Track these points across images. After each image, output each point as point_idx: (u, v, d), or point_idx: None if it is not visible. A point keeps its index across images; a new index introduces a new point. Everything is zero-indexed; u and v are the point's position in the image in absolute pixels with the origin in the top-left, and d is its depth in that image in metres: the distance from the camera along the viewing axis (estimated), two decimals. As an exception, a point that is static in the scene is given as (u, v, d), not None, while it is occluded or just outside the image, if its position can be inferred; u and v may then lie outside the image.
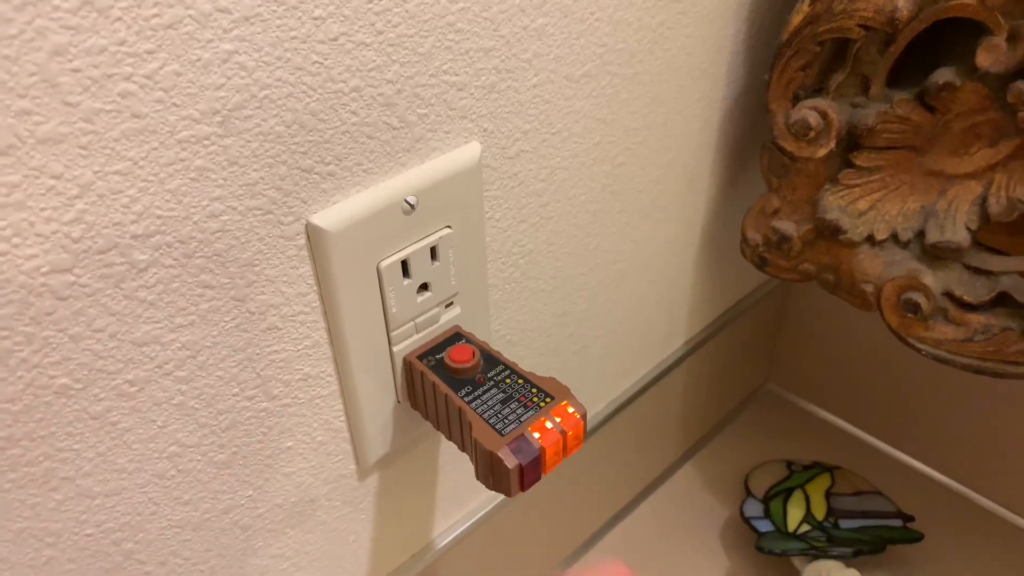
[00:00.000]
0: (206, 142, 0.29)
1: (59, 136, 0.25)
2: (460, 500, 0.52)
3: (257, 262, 0.33)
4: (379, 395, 0.40)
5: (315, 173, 0.33)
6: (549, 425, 0.36)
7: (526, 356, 0.49)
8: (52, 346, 0.28)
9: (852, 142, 0.50)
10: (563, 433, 0.36)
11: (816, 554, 0.61)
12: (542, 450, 0.35)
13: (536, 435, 0.35)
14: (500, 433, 0.35)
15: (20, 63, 0.24)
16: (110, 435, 0.31)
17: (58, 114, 0.25)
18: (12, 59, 0.24)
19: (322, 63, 0.31)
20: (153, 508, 0.34)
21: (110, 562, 0.34)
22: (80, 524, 0.32)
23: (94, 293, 0.28)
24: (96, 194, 0.27)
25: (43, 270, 0.27)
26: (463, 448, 0.38)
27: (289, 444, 0.38)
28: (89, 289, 0.28)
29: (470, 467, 0.51)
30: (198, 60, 0.27)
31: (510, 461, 0.34)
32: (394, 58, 0.33)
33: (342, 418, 0.40)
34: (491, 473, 0.35)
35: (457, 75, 0.36)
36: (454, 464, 0.49)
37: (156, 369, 0.31)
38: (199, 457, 0.35)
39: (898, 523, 0.63)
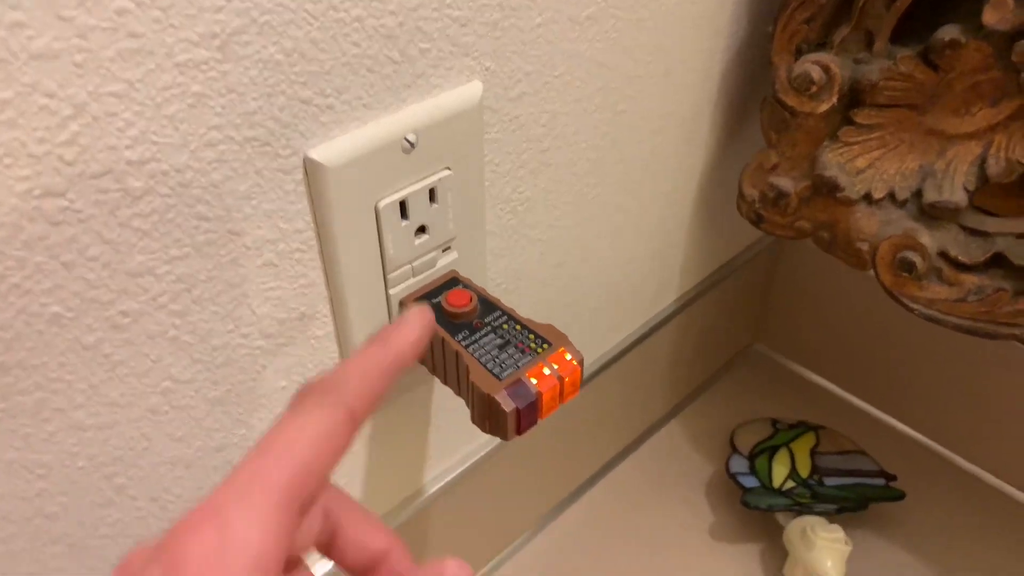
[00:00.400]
0: (204, 67, 0.28)
1: (53, 52, 0.24)
2: (452, 446, 0.52)
3: (254, 195, 0.32)
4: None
5: (314, 105, 0.32)
6: (547, 371, 0.35)
7: (521, 305, 0.49)
8: (44, 273, 0.27)
9: (854, 98, 0.50)
10: (560, 379, 0.35)
11: (800, 510, 0.61)
12: (539, 395, 0.35)
13: (534, 380, 0.35)
14: (498, 378, 0.35)
15: (13, -28, 0.23)
16: (103, 367, 0.31)
17: (52, 29, 0.24)
18: (4, -33, 0.23)
19: (325, -11, 0.30)
20: (146, 444, 0.34)
21: (102, 497, 0.34)
22: (72, 457, 0.32)
23: (87, 219, 0.28)
24: (90, 115, 0.26)
25: (35, 193, 0.26)
26: (459, 392, 0.37)
27: (283, 384, 0.38)
28: (83, 215, 0.27)
29: (464, 413, 0.50)
30: (197, -21, 0.26)
31: (507, 405, 0.34)
32: (398, -12, 0.32)
33: (337, 359, 0.40)
34: (488, 417, 0.35)
35: (460, 9, 0.35)
36: (448, 410, 0.49)
37: (150, 301, 0.31)
38: (192, 393, 0.34)
39: (881, 482, 0.64)
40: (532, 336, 0.37)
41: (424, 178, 0.37)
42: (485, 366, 0.35)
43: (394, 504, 0.50)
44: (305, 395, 0.26)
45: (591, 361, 0.61)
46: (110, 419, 0.32)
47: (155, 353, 0.32)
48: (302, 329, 0.37)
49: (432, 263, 0.39)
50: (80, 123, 0.26)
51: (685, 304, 0.67)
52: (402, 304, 0.39)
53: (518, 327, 0.37)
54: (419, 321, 0.30)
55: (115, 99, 0.26)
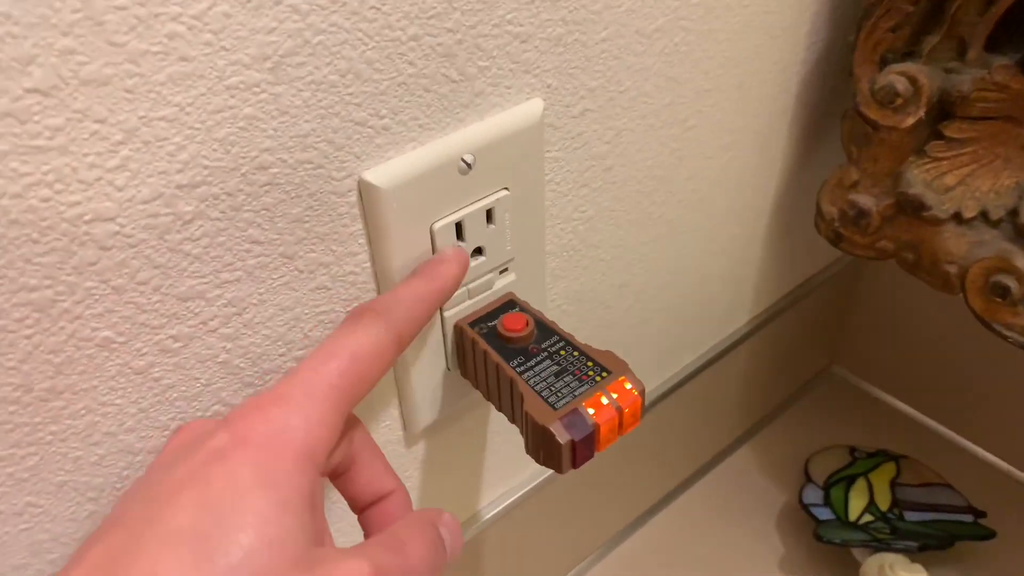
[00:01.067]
0: (256, 89, 0.27)
1: (104, 78, 0.24)
2: (509, 472, 0.51)
3: (307, 218, 0.31)
4: (429, 361, 0.38)
5: (369, 126, 0.31)
6: (605, 401, 0.34)
7: (582, 327, 0.47)
8: (95, 297, 0.27)
9: (943, 111, 0.47)
10: (619, 410, 0.34)
11: (879, 546, 0.58)
12: (596, 426, 0.33)
13: (591, 411, 0.33)
14: (553, 407, 0.33)
15: (62, -2, 0.23)
16: (153, 391, 0.30)
17: (103, 54, 0.24)
18: (54, -7, 0.22)
19: (379, 8, 0.29)
20: (196, 467, 0.34)
21: (152, 519, 0.33)
22: (122, 480, 0.32)
23: (138, 244, 0.27)
24: (141, 140, 0.26)
25: (86, 218, 0.26)
26: (513, 420, 0.36)
27: (336, 408, 0.37)
28: (133, 240, 0.27)
29: (520, 439, 0.49)
30: (248, 1, 0.26)
31: (562, 437, 0.32)
32: (455, 5, 0.31)
33: (390, 383, 0.39)
34: (542, 448, 0.34)
35: (521, 26, 0.34)
36: (504, 435, 0.48)
37: (201, 325, 0.30)
38: (243, 417, 0.34)
39: (969, 518, 0.60)
40: (591, 363, 0.35)
41: (481, 199, 0.35)
42: (540, 394, 0.34)
43: (450, 528, 0.49)
44: (361, 313, 0.29)
45: (658, 383, 0.59)
46: (160, 443, 0.32)
47: (205, 377, 0.32)
48: (355, 352, 0.36)
49: (489, 285, 0.38)
50: (130, 148, 0.26)
51: (759, 325, 0.64)
52: (457, 327, 0.38)
53: (576, 353, 0.36)
54: (457, 258, 0.33)
55: (166, 123, 0.26)
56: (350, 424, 0.30)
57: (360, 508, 0.31)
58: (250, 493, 0.23)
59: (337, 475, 0.30)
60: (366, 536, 0.30)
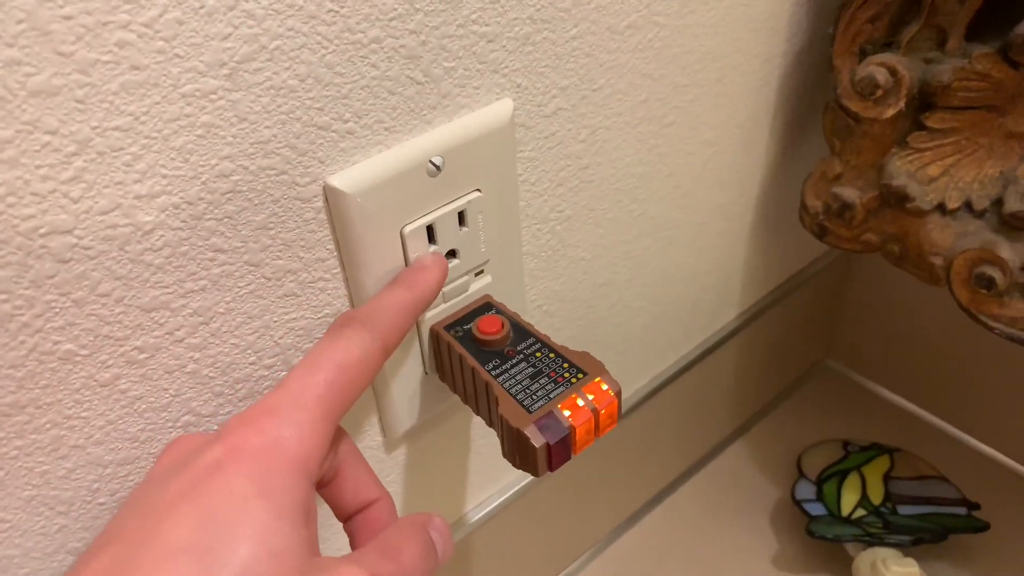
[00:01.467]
0: (213, 96, 0.27)
1: (53, 88, 0.24)
2: (493, 475, 0.50)
3: (272, 225, 0.31)
4: (406, 366, 0.38)
5: (332, 131, 0.31)
6: (580, 402, 0.33)
7: (564, 328, 0.47)
8: (55, 310, 0.27)
9: (924, 102, 0.46)
10: (595, 411, 0.33)
11: (871, 541, 0.58)
12: (572, 429, 0.33)
13: (566, 413, 0.33)
14: (528, 410, 0.33)
15: (5, 9, 0.22)
16: (120, 403, 0.30)
17: (51, 65, 0.24)
18: (-3, 4, 0.22)
19: (337, 11, 0.29)
20: (168, 478, 0.33)
21: (125, 531, 0.33)
22: (92, 493, 0.31)
23: (97, 256, 0.27)
24: (95, 151, 0.25)
25: (42, 231, 0.25)
26: (490, 424, 0.36)
27: (311, 415, 0.37)
28: (92, 251, 0.27)
29: (504, 441, 0.49)
30: (201, 8, 0.26)
31: (537, 440, 0.32)
32: (417, 6, 0.31)
33: (368, 388, 0.38)
34: (517, 452, 0.33)
35: (488, 25, 0.33)
36: (487, 437, 0.48)
37: (166, 336, 0.30)
38: (215, 426, 0.34)
39: (962, 511, 0.60)
40: (567, 365, 0.35)
41: (452, 201, 0.35)
42: (515, 397, 0.34)
43: (437, 531, 0.49)
44: (345, 323, 0.29)
45: (646, 381, 0.58)
46: (130, 455, 0.31)
47: (174, 387, 0.31)
48: (329, 359, 0.36)
49: (464, 288, 0.38)
50: (84, 159, 0.25)
51: (749, 320, 0.64)
52: (432, 331, 0.37)
53: (552, 355, 0.35)
54: (437, 264, 0.34)
55: (120, 133, 0.26)
56: (335, 434, 0.30)
57: (345, 516, 0.31)
58: (248, 504, 0.23)
59: (323, 484, 0.30)
60: (352, 544, 0.30)
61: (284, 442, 0.25)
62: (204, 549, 0.22)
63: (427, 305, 0.33)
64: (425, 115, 0.33)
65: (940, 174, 0.47)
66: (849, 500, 0.61)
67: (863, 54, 0.46)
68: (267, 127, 0.29)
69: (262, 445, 0.24)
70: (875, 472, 0.63)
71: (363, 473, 0.31)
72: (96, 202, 0.26)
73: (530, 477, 0.52)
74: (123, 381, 0.30)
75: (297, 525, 0.24)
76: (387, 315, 0.31)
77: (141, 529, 0.23)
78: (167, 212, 0.28)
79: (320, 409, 0.26)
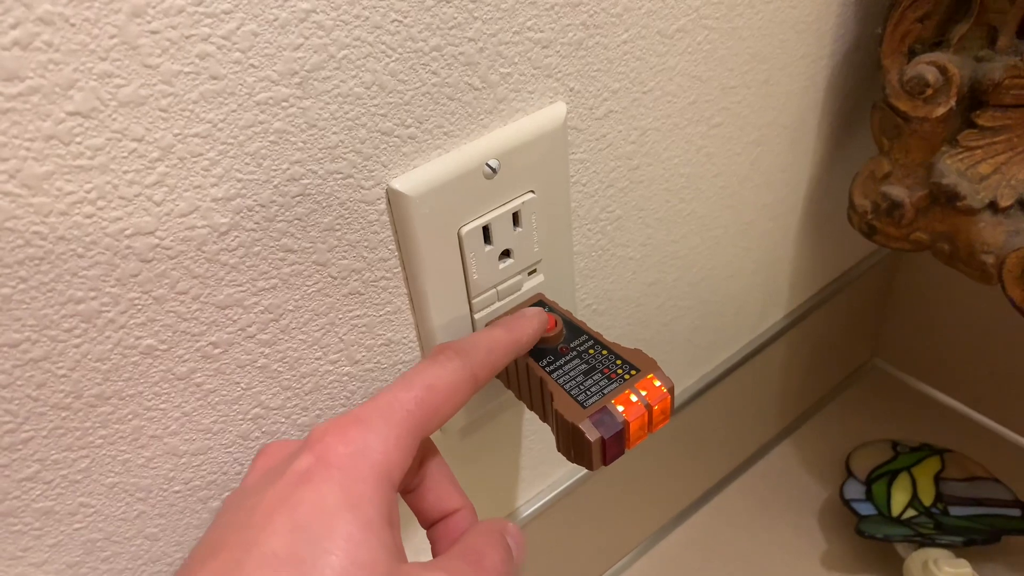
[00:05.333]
0: (284, 104, 0.29)
1: (140, 99, 0.26)
2: (543, 471, 0.51)
3: (338, 227, 0.32)
4: (461, 362, 0.39)
5: (395, 136, 0.32)
6: (634, 398, 0.34)
7: (613, 326, 0.48)
8: (137, 307, 0.29)
9: (975, 100, 0.46)
10: (648, 407, 0.34)
11: (922, 541, 0.57)
12: (626, 424, 0.33)
13: (620, 408, 0.34)
14: (582, 405, 0.34)
15: (100, 25, 0.24)
16: (195, 396, 0.32)
17: (138, 76, 0.25)
18: (92, 21, 0.24)
19: (401, 21, 0.30)
20: (238, 468, 0.35)
21: (197, 519, 0.35)
22: (168, 481, 0.33)
23: (177, 256, 0.29)
24: (177, 156, 0.27)
25: (127, 232, 0.27)
26: (544, 419, 0.37)
27: (371, 409, 0.38)
28: (172, 252, 0.28)
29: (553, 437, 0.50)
30: (275, 20, 0.27)
31: (592, 434, 0.33)
32: (476, 15, 0.32)
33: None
34: (572, 446, 0.34)
35: (542, 31, 0.34)
36: (538, 434, 0.49)
37: (239, 332, 0.32)
38: (283, 419, 0.35)
39: (1015, 512, 0.59)
40: (619, 362, 0.36)
41: (507, 202, 0.36)
42: (570, 393, 0.35)
43: (488, 526, 0.50)
44: (442, 350, 0.31)
45: (693, 381, 0.59)
46: (203, 445, 0.33)
47: (245, 381, 0.33)
48: (389, 355, 0.37)
49: (518, 287, 0.39)
50: (167, 164, 0.27)
51: (796, 319, 0.64)
52: (488, 329, 0.38)
53: (604, 352, 0.36)
54: (537, 318, 0.36)
55: (199, 140, 0.27)
56: (423, 445, 0.32)
57: (429, 523, 0.32)
58: (337, 515, 0.24)
59: (408, 491, 0.32)
60: (433, 550, 0.31)
61: (369, 452, 0.26)
62: (299, 560, 0.23)
63: (522, 350, 0.35)
64: (482, 119, 0.34)
65: (991, 172, 0.47)
66: (899, 500, 0.60)
67: (912, 54, 0.47)
68: (335, 133, 0.30)
69: (348, 454, 0.25)
70: (926, 473, 0.63)
71: (447, 483, 0.32)
72: (176, 205, 0.28)
73: (579, 474, 0.53)
74: (198, 375, 0.31)
75: (383, 534, 0.25)
76: (482, 350, 0.32)
77: (242, 539, 0.24)
78: (241, 214, 0.29)
79: (407, 424, 0.27)
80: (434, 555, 0.30)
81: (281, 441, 0.29)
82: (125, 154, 0.26)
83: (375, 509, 0.25)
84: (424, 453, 0.32)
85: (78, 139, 0.25)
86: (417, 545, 0.43)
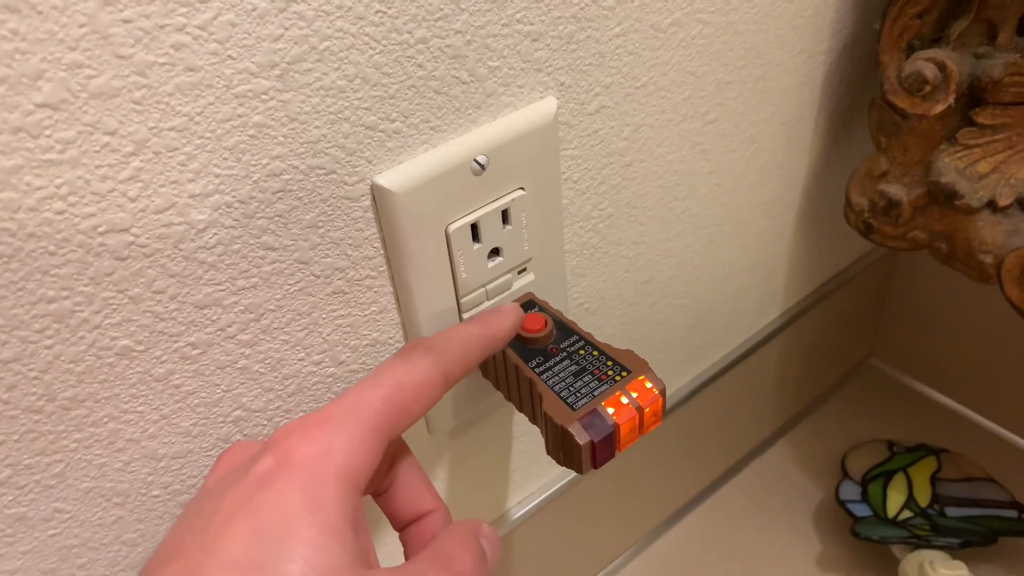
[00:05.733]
0: (264, 97, 0.28)
1: (112, 90, 0.25)
2: (534, 472, 0.50)
3: (321, 224, 0.31)
4: (450, 363, 0.38)
5: (380, 130, 0.31)
6: (624, 400, 0.33)
7: (605, 326, 0.47)
8: (113, 307, 0.28)
9: (974, 97, 0.45)
10: (639, 409, 0.33)
11: (918, 543, 0.57)
12: (616, 427, 0.33)
13: (610, 410, 0.33)
14: (572, 407, 0.33)
15: (69, 13, 0.23)
16: (173, 398, 0.31)
17: (110, 67, 0.24)
18: (60, 9, 0.23)
19: (385, 12, 0.29)
20: (219, 471, 0.34)
21: (177, 523, 0.34)
22: (147, 486, 0.32)
23: (153, 254, 0.28)
24: (152, 151, 0.26)
25: (100, 229, 0.26)
26: (534, 421, 0.36)
27: (357, 411, 0.37)
28: (148, 249, 0.27)
29: (545, 439, 0.49)
30: (254, 9, 0.26)
31: (581, 437, 0.32)
32: (463, 6, 0.31)
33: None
34: (562, 449, 0.33)
35: (532, 24, 0.33)
36: (529, 435, 0.48)
37: (219, 332, 0.31)
38: (265, 422, 0.34)
39: (1012, 513, 0.59)
40: (610, 363, 0.35)
41: (496, 199, 0.35)
42: (559, 395, 0.34)
43: (478, 528, 0.49)
44: (413, 347, 0.30)
45: (687, 380, 0.58)
46: (183, 448, 0.32)
47: (225, 383, 0.32)
48: (374, 355, 0.36)
49: (507, 286, 0.38)
50: (141, 159, 0.26)
51: (792, 318, 0.63)
52: (477, 329, 0.38)
53: (595, 353, 0.35)
54: (513, 313, 0.35)
55: (175, 133, 0.26)
56: (393, 444, 0.31)
57: (401, 526, 0.31)
58: (297, 520, 0.23)
59: (379, 494, 0.31)
60: (406, 553, 0.31)
61: (333, 452, 0.25)
62: (257, 567, 0.22)
63: (497, 346, 0.34)
64: (470, 114, 0.34)
65: (990, 171, 0.46)
66: (895, 501, 0.60)
67: (911, 50, 0.46)
68: (317, 127, 0.29)
69: (311, 456, 0.25)
70: (922, 473, 0.62)
71: (419, 484, 0.31)
72: (152, 201, 0.27)
73: (571, 475, 0.52)
74: (177, 376, 0.31)
75: (346, 539, 0.24)
76: (454, 347, 0.31)
77: (200, 544, 0.23)
78: (220, 211, 0.28)
79: (374, 423, 0.26)
80: (406, 559, 0.30)
81: (244, 442, 0.28)
82: (97, 148, 0.25)
83: (338, 512, 0.24)
84: (395, 454, 0.31)
85: (47, 132, 0.24)
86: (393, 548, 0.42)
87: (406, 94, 0.31)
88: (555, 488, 0.52)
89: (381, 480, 0.30)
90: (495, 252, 0.37)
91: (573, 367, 0.35)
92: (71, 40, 0.23)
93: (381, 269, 0.34)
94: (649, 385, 0.34)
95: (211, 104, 0.27)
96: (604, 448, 0.33)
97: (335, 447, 0.25)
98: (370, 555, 0.26)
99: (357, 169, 0.31)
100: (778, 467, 0.69)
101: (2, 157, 0.24)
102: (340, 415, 0.26)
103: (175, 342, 0.30)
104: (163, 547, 0.25)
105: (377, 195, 0.32)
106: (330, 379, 0.35)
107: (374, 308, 0.35)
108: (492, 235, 0.36)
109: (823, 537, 0.63)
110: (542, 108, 0.35)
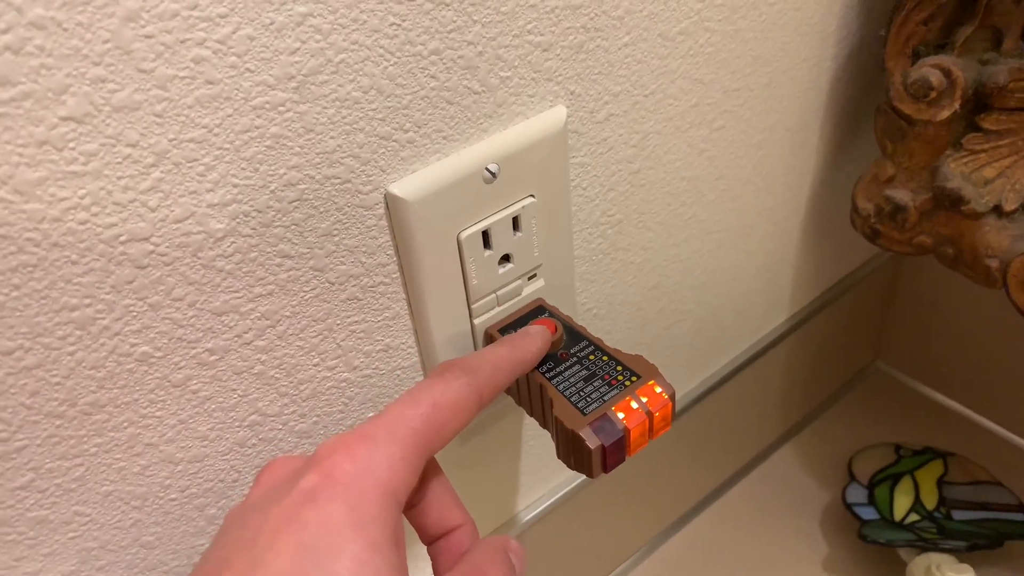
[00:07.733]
0: (281, 108, 0.28)
1: (134, 103, 0.25)
2: (543, 476, 0.51)
3: (336, 232, 0.32)
4: (461, 368, 0.39)
5: (393, 140, 0.32)
6: (635, 405, 0.34)
7: (614, 331, 0.48)
8: (132, 314, 0.28)
9: (979, 103, 0.46)
10: (649, 414, 0.34)
11: (925, 546, 0.57)
12: (626, 431, 0.33)
13: (620, 415, 0.33)
14: (582, 412, 0.34)
15: (93, 30, 0.24)
16: (191, 403, 0.31)
17: (132, 81, 0.25)
18: (85, 26, 0.23)
19: (399, 25, 0.29)
20: (235, 475, 0.35)
21: (194, 526, 0.34)
22: (164, 489, 0.33)
23: (172, 262, 0.28)
24: (172, 162, 0.27)
25: (122, 239, 0.27)
26: (544, 425, 0.36)
27: (370, 415, 0.38)
28: (167, 258, 0.28)
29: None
30: (272, 23, 0.27)
31: (592, 441, 0.33)
32: (475, 18, 0.31)
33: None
34: (572, 453, 0.34)
35: (542, 35, 0.34)
36: (538, 439, 0.48)
37: (235, 338, 0.31)
38: (280, 426, 0.35)
39: (1019, 516, 0.59)
40: (620, 368, 0.35)
41: (507, 207, 0.36)
42: (570, 400, 0.34)
43: (484, 533, 0.49)
44: (447, 368, 0.30)
45: (694, 385, 0.58)
46: (200, 452, 0.33)
47: (242, 388, 0.33)
48: (387, 361, 0.37)
49: (517, 291, 0.39)
50: (162, 170, 0.27)
51: (799, 323, 0.63)
52: (487, 334, 0.38)
53: (605, 358, 0.36)
54: (541, 335, 0.36)
55: (195, 145, 0.27)
56: (441, 447, 0.31)
57: (429, 540, 0.32)
58: (343, 535, 0.24)
59: (409, 507, 0.31)
60: (434, 567, 0.31)
61: (375, 469, 0.25)
62: None
63: (526, 368, 0.35)
64: (481, 123, 0.34)
65: (996, 176, 0.47)
66: (902, 504, 0.60)
67: (916, 56, 0.46)
68: (332, 138, 0.30)
69: (354, 472, 0.25)
70: (929, 476, 0.62)
71: (448, 499, 0.32)
72: (172, 211, 0.27)
73: (580, 479, 0.53)
74: (194, 382, 0.31)
75: (389, 554, 0.24)
76: (487, 368, 0.31)
77: (249, 560, 0.24)
78: (238, 220, 0.29)
79: (413, 441, 0.27)
80: (435, 572, 0.30)
81: (286, 457, 0.29)
82: (119, 159, 0.26)
83: (382, 528, 0.24)
84: (426, 469, 0.31)
85: (71, 144, 0.25)
86: (416, 553, 0.43)
87: (419, 104, 0.32)
88: (563, 492, 0.52)
89: (414, 495, 0.31)
90: (506, 258, 0.37)
91: (583, 372, 0.35)
92: (95, 55, 0.24)
93: (394, 276, 0.35)
94: (659, 390, 0.34)
95: (230, 116, 0.27)
96: (614, 452, 0.33)
97: (377, 464, 0.25)
98: (406, 570, 0.27)
99: (371, 178, 0.32)
100: (785, 470, 0.69)
101: (28, 169, 0.24)
102: (381, 433, 0.26)
103: (193, 348, 0.30)
104: (208, 559, 0.25)
105: (391, 203, 0.33)
106: (344, 384, 0.36)
107: (387, 314, 0.36)
108: (503, 242, 0.36)
109: (830, 540, 0.63)
110: (552, 117, 0.36)
